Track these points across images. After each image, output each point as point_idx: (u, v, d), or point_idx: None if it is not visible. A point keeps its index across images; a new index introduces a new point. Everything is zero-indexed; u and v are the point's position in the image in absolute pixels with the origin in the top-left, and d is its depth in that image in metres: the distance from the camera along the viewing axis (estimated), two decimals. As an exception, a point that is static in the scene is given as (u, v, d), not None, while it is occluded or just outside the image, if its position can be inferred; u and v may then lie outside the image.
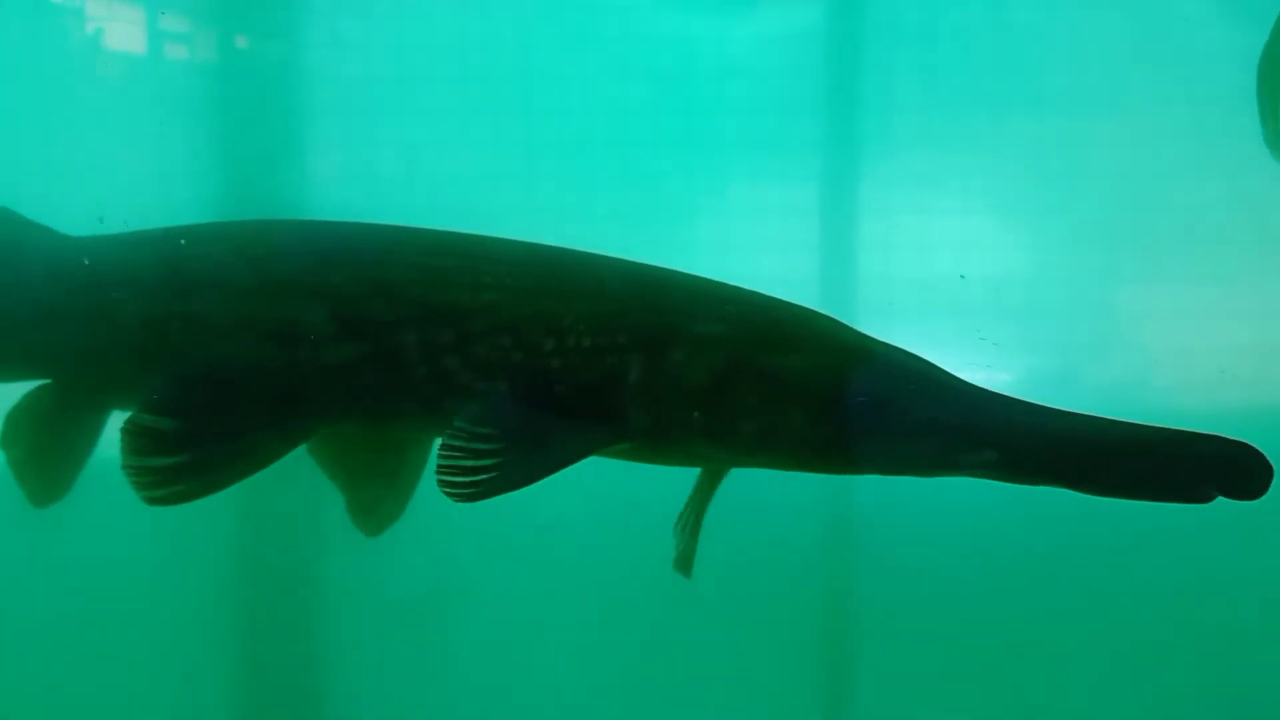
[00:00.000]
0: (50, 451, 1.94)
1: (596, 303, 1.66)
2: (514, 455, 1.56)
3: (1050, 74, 2.81)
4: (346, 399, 1.74)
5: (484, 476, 1.53)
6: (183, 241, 1.87)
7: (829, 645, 3.10)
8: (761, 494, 1.88)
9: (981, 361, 1.93)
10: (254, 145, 3.05)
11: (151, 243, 1.88)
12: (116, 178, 2.83)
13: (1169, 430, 1.40)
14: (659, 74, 3.01)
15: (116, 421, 1.84)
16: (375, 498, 1.93)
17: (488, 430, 1.56)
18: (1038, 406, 1.49)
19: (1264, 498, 1.36)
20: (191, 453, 1.69)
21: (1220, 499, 1.37)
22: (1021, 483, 1.48)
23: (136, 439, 1.68)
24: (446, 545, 2.71)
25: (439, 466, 1.54)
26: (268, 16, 3.07)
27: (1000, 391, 1.54)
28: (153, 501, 1.67)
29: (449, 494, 1.53)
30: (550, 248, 1.78)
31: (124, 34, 2.94)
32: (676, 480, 1.74)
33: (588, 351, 1.62)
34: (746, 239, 2.95)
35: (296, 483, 2.07)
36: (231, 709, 3.07)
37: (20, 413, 1.90)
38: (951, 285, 2.91)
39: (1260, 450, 1.36)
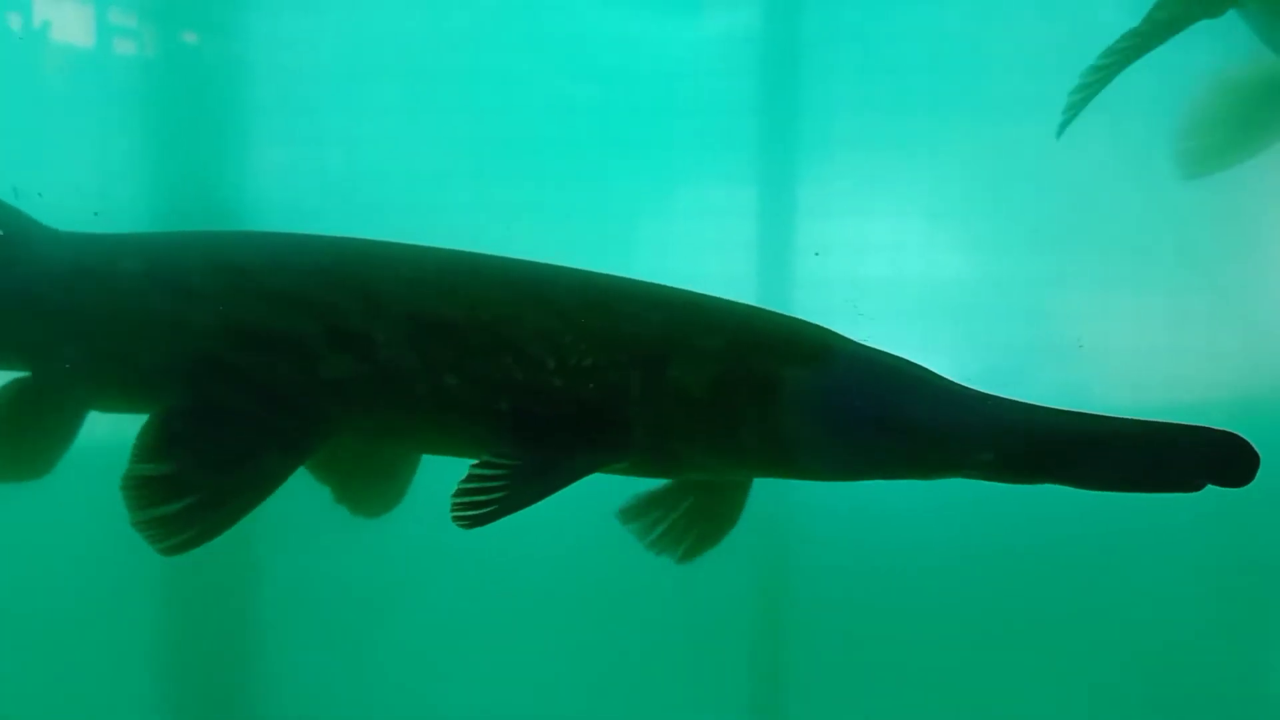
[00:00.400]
0: (22, 439, 1.88)
1: (597, 319, 1.68)
2: (521, 480, 1.58)
3: (983, 79, 2.88)
4: (348, 414, 1.73)
5: (493, 501, 1.56)
6: (175, 246, 1.86)
7: (760, 652, 3.16)
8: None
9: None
10: (197, 140, 3.05)
11: (143, 245, 1.87)
12: (60, 171, 2.83)
13: (1159, 423, 1.45)
14: (602, 74, 3.05)
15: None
16: (368, 491, 1.93)
17: (500, 460, 1.59)
18: (1030, 406, 1.54)
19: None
20: (197, 492, 1.66)
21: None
22: (1018, 481, 1.53)
23: (138, 491, 1.64)
24: (379, 544, 2.73)
25: (456, 502, 1.56)
26: (212, 12, 3.07)
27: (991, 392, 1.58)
28: (170, 551, 1.64)
29: (459, 521, 1.56)
30: (544, 265, 1.78)
31: (70, 28, 2.94)
32: (602, 485, 1.76)
33: (590, 369, 1.64)
34: (687, 238, 3.00)
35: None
36: (158, 709, 3.08)
37: None
38: (887, 286, 2.99)
39: (1247, 439, 1.42)
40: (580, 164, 3.01)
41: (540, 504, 1.57)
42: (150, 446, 1.68)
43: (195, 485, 1.66)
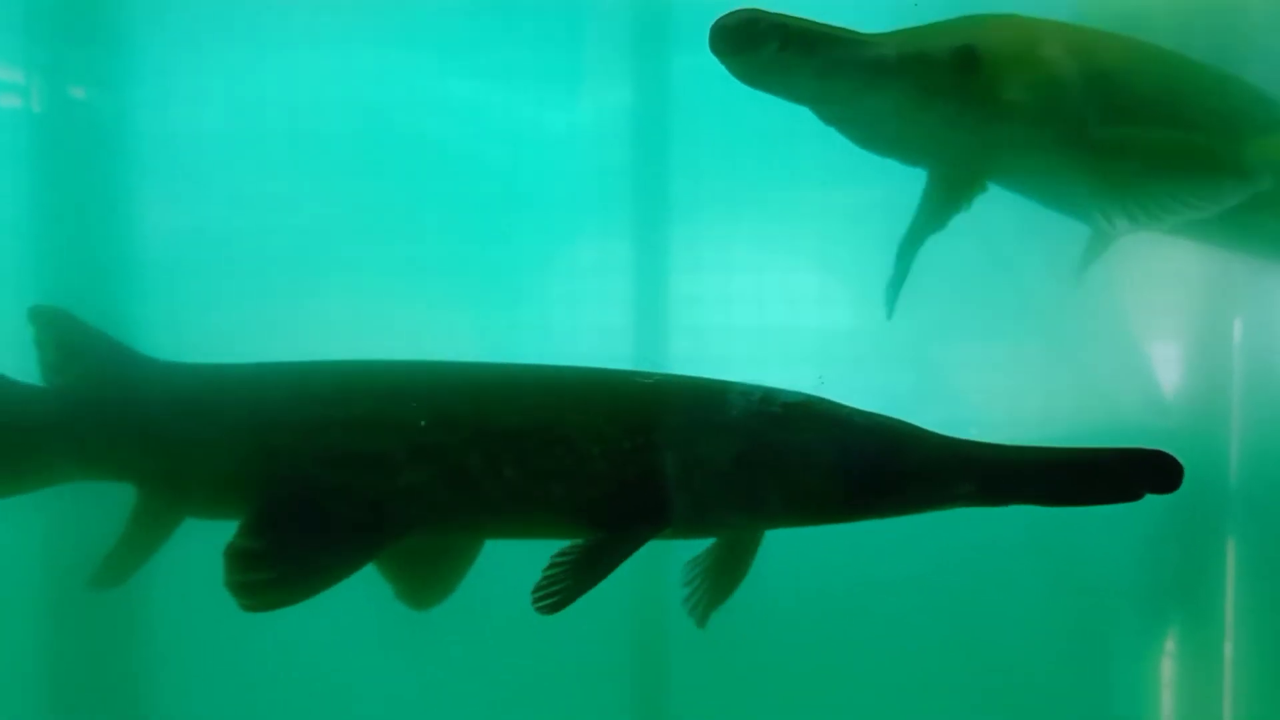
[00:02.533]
0: (125, 544, 2.18)
1: (631, 412, 1.97)
2: (587, 561, 1.86)
3: (828, 145, 3.11)
4: (422, 516, 2.02)
5: (566, 584, 1.86)
6: (261, 378, 2.16)
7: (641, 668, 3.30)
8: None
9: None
10: (81, 197, 3.11)
11: (235, 377, 2.16)
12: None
13: (1104, 449, 1.73)
14: (486, 144, 3.18)
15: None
16: (423, 581, 2.19)
17: (567, 552, 1.87)
18: (999, 446, 1.81)
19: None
20: (282, 569, 1.94)
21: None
22: (995, 505, 1.81)
23: (234, 559, 1.92)
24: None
25: (538, 594, 1.86)
26: (98, 69, 3.14)
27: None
28: (250, 609, 1.92)
29: (543, 609, 1.86)
30: (571, 369, 2.09)
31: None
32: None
33: (629, 452, 1.91)
34: (566, 294, 3.17)
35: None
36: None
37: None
38: (751, 336, 3.19)
39: (1173, 455, 1.70)
40: (466, 225, 3.15)
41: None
42: (251, 524, 1.98)
43: (279, 564, 1.95)
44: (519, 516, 2.01)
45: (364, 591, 2.11)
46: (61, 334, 2.25)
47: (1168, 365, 3.16)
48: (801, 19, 2.31)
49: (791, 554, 3.06)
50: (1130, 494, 1.73)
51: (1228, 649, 3.35)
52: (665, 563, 3.14)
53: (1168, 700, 3.39)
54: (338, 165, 3.14)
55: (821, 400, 1.97)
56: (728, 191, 3.13)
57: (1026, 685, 3.26)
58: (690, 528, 1.99)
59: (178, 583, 2.65)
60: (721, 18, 2.16)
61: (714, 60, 2.72)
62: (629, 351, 3.14)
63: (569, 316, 3.16)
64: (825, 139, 3.15)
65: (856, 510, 1.89)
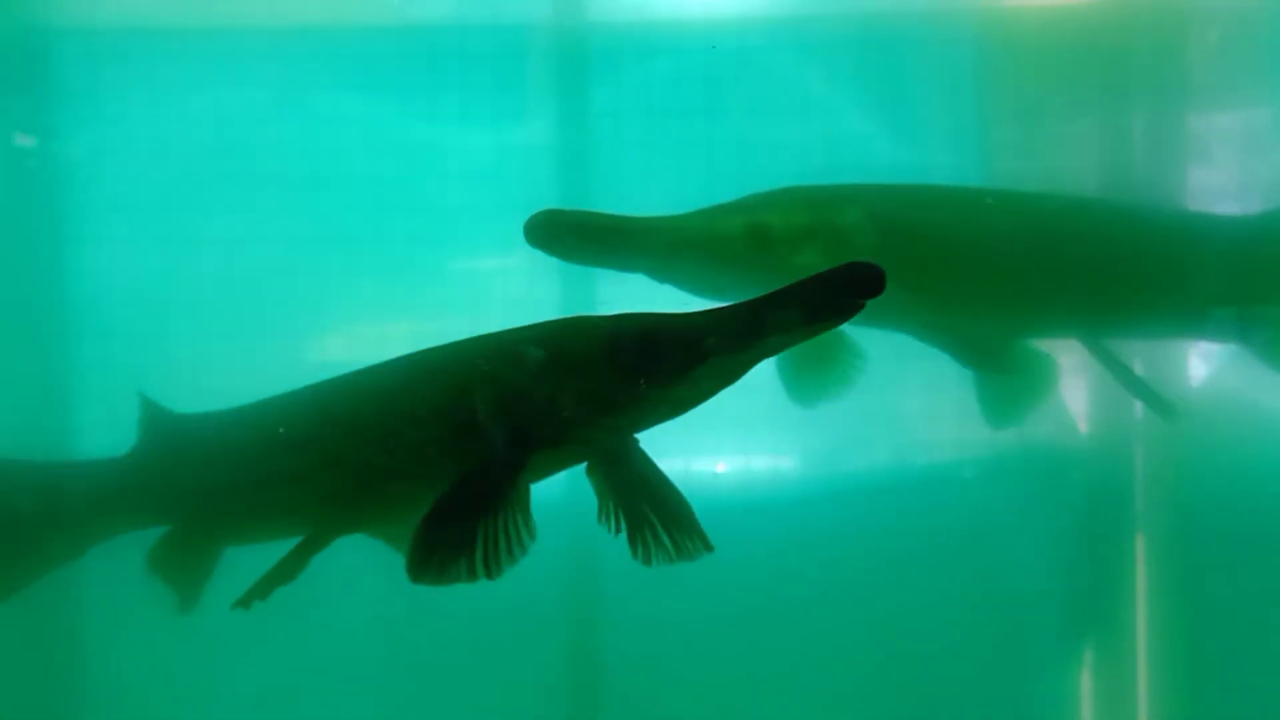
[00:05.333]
0: (183, 574, 2.42)
1: (467, 377, 2.15)
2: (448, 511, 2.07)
3: (744, 173, 3.24)
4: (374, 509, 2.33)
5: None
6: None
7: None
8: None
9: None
10: (28, 240, 3.16)
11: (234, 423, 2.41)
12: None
13: (816, 275, 1.90)
14: (410, 177, 3.29)
15: None
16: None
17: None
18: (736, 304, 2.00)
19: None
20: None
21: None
22: (745, 350, 1.98)
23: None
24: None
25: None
26: (30, 116, 3.20)
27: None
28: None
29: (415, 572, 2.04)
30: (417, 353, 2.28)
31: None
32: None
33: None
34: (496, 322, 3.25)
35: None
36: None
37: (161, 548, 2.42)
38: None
39: (867, 262, 1.87)
40: (392, 259, 3.23)
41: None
42: None
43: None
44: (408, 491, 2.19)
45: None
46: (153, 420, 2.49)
47: (1073, 382, 3.29)
48: (600, 215, 2.75)
49: (722, 562, 3.20)
50: (849, 305, 1.89)
51: (1141, 649, 3.48)
52: (600, 566, 3.27)
53: (1087, 703, 3.52)
54: (265, 209, 3.23)
55: (583, 316, 2.17)
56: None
57: (944, 694, 3.37)
58: (546, 457, 2.13)
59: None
60: (531, 216, 2.64)
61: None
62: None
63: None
64: (741, 167, 3.29)
65: (643, 393, 2.04)
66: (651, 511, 2.18)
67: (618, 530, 2.17)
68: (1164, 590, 3.44)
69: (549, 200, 3.19)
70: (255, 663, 3.12)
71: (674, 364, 2.00)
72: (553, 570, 3.23)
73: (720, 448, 3.42)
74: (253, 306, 3.16)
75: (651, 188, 3.25)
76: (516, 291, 3.27)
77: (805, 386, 2.97)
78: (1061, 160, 3.44)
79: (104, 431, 2.53)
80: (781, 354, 2.18)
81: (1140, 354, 3.28)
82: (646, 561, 2.17)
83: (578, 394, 2.05)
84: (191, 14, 3.21)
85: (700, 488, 3.34)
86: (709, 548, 2.21)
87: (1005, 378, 3.02)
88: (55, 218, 3.19)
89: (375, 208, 3.26)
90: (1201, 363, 3.36)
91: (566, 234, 2.70)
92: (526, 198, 3.14)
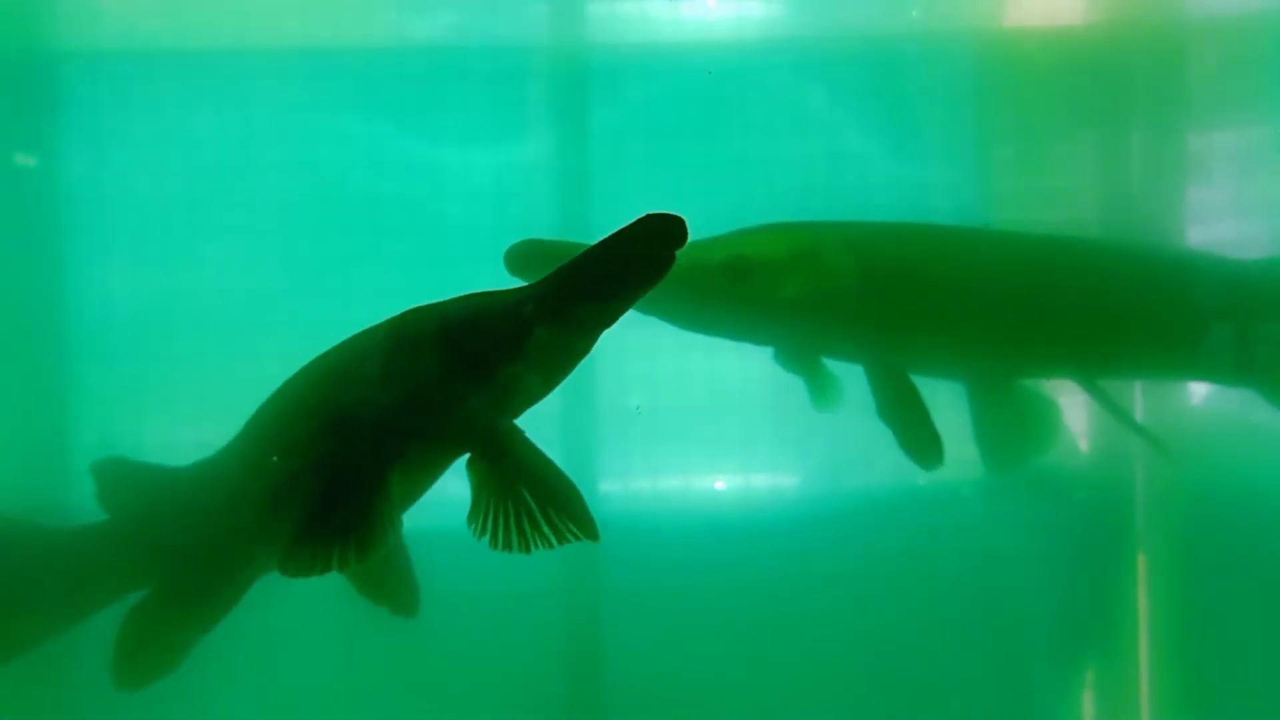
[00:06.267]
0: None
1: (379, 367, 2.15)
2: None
3: (743, 196, 3.25)
4: None
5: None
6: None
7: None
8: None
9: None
10: (13, 262, 3.17)
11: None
12: None
13: (620, 230, 1.97)
14: (410, 196, 3.28)
15: None
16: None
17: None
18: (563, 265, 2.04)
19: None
20: None
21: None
22: (567, 309, 2.03)
23: None
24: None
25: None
26: (32, 135, 3.21)
27: None
28: None
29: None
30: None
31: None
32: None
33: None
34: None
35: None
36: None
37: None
38: (677, 383, 3.30)
39: (670, 213, 1.92)
40: (392, 279, 3.23)
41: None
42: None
43: None
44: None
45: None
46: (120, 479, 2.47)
47: (1073, 401, 3.28)
48: (579, 245, 2.68)
49: (721, 581, 3.21)
50: (656, 256, 1.94)
51: (1143, 670, 3.47)
52: (599, 586, 3.26)
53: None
54: (265, 230, 3.24)
55: (421, 305, 2.18)
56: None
57: (944, 715, 3.37)
58: (420, 450, 2.15)
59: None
60: (510, 246, 2.67)
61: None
62: (555, 402, 3.23)
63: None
64: (740, 190, 3.30)
65: (483, 373, 2.07)
66: (532, 498, 2.11)
67: (482, 533, 2.11)
68: (1166, 610, 3.44)
69: (549, 220, 3.21)
70: (250, 664, 3.10)
71: (502, 338, 2.03)
72: (551, 592, 3.23)
73: (720, 466, 3.42)
74: (253, 327, 3.16)
75: (651, 208, 3.24)
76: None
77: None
78: (1061, 179, 3.44)
79: (102, 454, 2.51)
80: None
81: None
82: (524, 550, 2.11)
83: (421, 380, 2.08)
84: (193, 35, 3.22)
85: (699, 506, 3.38)
86: (594, 536, 2.12)
87: (1004, 420, 3.02)
88: (55, 238, 3.19)
89: (375, 227, 3.27)
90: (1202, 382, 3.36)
91: (544, 264, 2.70)
92: (526, 218, 3.16)
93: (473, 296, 2.11)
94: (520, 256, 2.67)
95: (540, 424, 2.99)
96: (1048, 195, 3.42)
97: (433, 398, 2.09)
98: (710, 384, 3.31)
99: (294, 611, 2.65)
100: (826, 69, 3.37)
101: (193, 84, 3.23)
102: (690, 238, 1.99)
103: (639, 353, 3.27)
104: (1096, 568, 3.47)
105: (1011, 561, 3.36)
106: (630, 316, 2.89)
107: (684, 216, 1.92)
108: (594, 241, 2.05)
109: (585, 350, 2.09)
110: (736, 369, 3.31)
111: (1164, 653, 3.44)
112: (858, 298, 2.89)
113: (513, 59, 3.30)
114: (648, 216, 1.94)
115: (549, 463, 2.15)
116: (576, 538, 2.11)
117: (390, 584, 2.42)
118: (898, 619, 3.29)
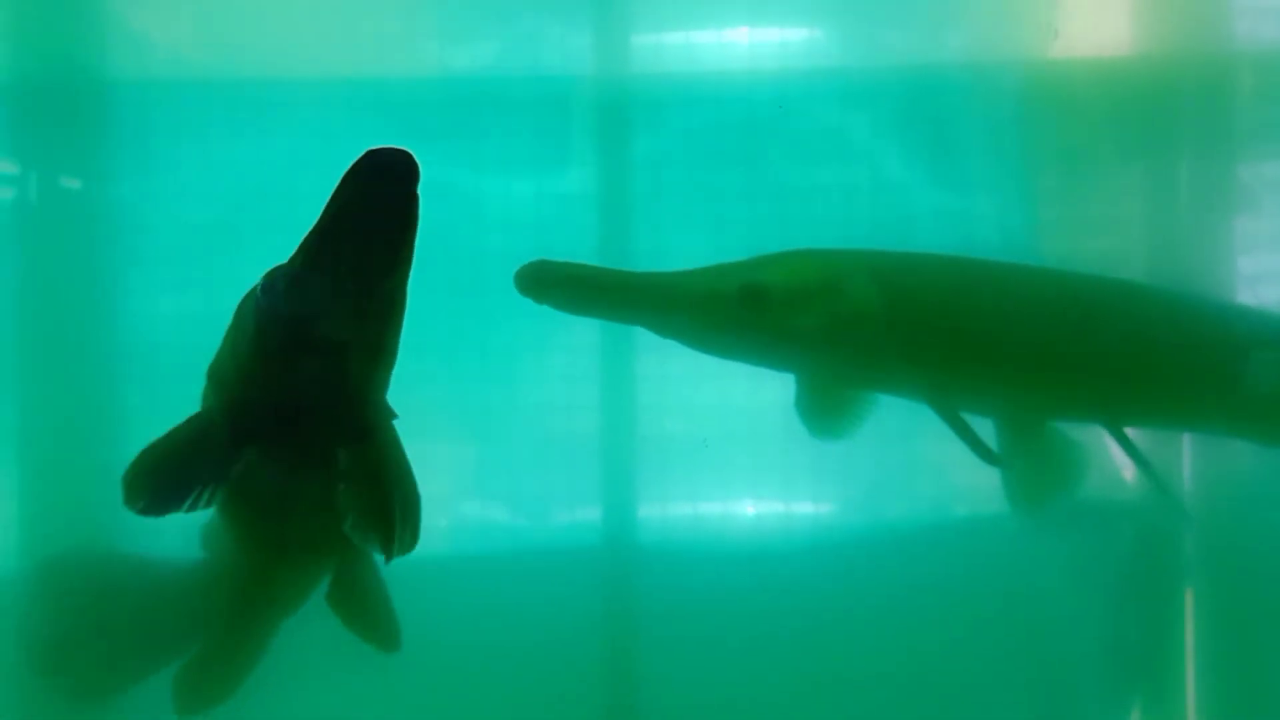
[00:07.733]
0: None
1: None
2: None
3: (784, 226, 3.24)
4: None
5: None
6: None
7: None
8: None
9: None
10: (76, 285, 3.22)
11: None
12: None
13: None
14: (451, 225, 3.28)
15: None
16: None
17: None
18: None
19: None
20: None
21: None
22: None
23: None
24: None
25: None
26: (94, 159, 3.27)
27: None
28: None
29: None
30: None
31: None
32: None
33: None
34: (534, 370, 3.28)
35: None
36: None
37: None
38: (717, 413, 3.30)
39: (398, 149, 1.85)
40: (432, 305, 3.25)
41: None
42: None
43: None
44: None
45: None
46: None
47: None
48: (589, 268, 2.77)
49: (759, 609, 3.20)
50: (388, 192, 1.89)
51: (1190, 707, 3.42)
52: (635, 609, 3.26)
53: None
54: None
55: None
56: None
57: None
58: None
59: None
60: (520, 267, 2.68)
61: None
62: (595, 428, 3.25)
63: (537, 394, 3.27)
64: (782, 220, 3.30)
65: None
66: (369, 501, 2.11)
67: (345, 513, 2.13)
68: (1214, 646, 3.38)
69: (590, 248, 3.22)
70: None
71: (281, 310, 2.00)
72: (590, 618, 3.23)
73: (760, 493, 3.41)
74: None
75: (693, 236, 3.26)
76: (558, 338, 3.29)
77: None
78: (1107, 210, 3.41)
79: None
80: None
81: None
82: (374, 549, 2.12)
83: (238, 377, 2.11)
84: (238, 66, 3.27)
85: (739, 533, 3.37)
86: (411, 546, 2.11)
87: (1030, 462, 2.95)
88: (104, 262, 3.24)
89: (417, 256, 3.28)
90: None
91: (554, 285, 2.72)
92: (568, 246, 3.17)
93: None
94: (529, 277, 2.68)
95: (581, 451, 3.02)
96: (1093, 225, 3.39)
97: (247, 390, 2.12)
98: (751, 412, 3.30)
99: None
100: (869, 98, 3.37)
101: (238, 113, 3.28)
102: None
103: (680, 381, 3.27)
104: (1143, 602, 3.41)
105: (1055, 595, 3.32)
106: (671, 345, 2.92)
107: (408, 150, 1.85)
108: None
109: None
110: (779, 397, 3.30)
111: (1212, 693, 3.38)
112: (880, 329, 2.83)
113: (555, 88, 3.32)
114: (369, 150, 1.85)
115: (401, 467, 2.14)
116: (400, 550, 2.09)
117: (370, 620, 2.42)
118: (939, 649, 3.26)
